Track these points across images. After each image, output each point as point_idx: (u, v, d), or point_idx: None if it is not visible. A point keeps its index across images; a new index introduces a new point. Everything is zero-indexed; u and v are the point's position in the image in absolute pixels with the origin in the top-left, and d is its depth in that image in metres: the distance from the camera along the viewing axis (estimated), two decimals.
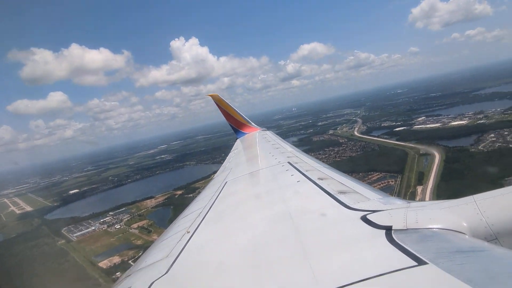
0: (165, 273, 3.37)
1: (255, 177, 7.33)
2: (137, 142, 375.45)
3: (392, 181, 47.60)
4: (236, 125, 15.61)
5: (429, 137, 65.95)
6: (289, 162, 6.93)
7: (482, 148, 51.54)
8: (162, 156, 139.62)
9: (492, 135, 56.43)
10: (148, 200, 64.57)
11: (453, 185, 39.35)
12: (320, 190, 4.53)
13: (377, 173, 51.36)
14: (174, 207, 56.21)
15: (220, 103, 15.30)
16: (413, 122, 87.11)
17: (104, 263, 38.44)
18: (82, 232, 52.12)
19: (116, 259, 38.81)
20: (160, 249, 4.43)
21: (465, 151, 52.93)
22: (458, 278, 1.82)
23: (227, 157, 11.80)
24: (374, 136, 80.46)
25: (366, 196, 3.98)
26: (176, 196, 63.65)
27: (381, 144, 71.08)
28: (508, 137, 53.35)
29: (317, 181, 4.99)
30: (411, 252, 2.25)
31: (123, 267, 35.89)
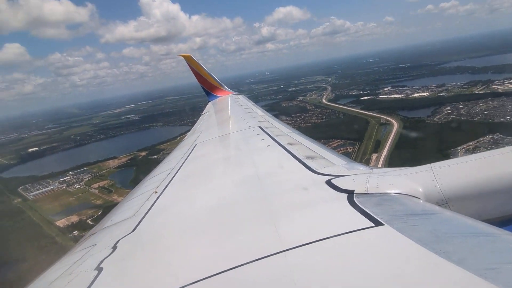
0: (131, 232, 3.38)
1: (226, 140, 7.41)
2: (103, 100, 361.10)
3: (350, 148, 49.35)
4: (208, 88, 15.38)
5: (392, 107, 67.96)
6: (260, 127, 6.98)
7: (437, 120, 54.05)
8: (128, 116, 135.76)
9: (448, 107, 58.98)
10: (111, 161, 63.41)
11: (405, 153, 41.59)
12: (289, 155, 4.64)
13: (338, 140, 52.93)
14: (137, 168, 55.71)
15: (192, 64, 14.92)
16: (379, 92, 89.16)
17: (61, 222, 38.00)
18: (40, 191, 50.82)
19: (74, 218, 38.40)
20: (126, 208, 4.45)
21: (422, 122, 55.39)
22: (409, 238, 1.97)
23: (198, 120, 11.65)
24: (341, 104, 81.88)
25: (332, 161, 4.10)
26: (140, 157, 62.80)
27: (345, 112, 72.74)
28: (462, 110, 56.18)
29: (286, 146, 5.08)
30: (370, 214, 2.38)
31: (81, 226, 35.73)
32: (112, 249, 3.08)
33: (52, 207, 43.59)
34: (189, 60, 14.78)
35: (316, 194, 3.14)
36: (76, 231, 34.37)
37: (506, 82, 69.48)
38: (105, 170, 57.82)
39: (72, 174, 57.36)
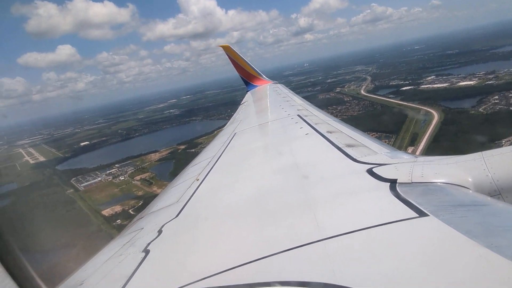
0: (176, 217, 3.54)
1: (264, 129, 7.49)
2: (148, 96, 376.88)
3: (385, 141, 48.09)
4: (247, 78, 15.53)
5: (433, 97, 64.90)
6: (298, 115, 6.93)
7: (482, 110, 50.88)
8: (171, 110, 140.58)
9: (496, 97, 55.04)
10: (153, 154, 66.79)
11: (444, 147, 39.84)
12: (328, 143, 4.57)
13: (373, 133, 51.63)
14: (176, 161, 58.28)
15: (231, 55, 15.13)
16: (421, 81, 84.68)
17: (106, 211, 41.28)
18: (89, 182, 55.03)
19: (118, 208, 41.51)
20: (171, 194, 4.67)
21: (465, 113, 52.47)
22: (457, 230, 1.85)
23: (237, 109, 11.96)
24: (380, 95, 79.30)
25: (373, 150, 4.01)
26: (179, 150, 65.53)
27: (384, 104, 70.36)
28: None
29: (326, 134, 5.02)
30: (414, 204, 2.28)
31: (124, 215, 38.61)
32: (158, 233, 3.22)
33: (99, 198, 47.37)
34: (227, 50, 15.03)
35: (356, 183, 3.08)
36: (119, 220, 37.26)
37: None
38: (147, 163, 61.24)
39: (117, 167, 61.30)
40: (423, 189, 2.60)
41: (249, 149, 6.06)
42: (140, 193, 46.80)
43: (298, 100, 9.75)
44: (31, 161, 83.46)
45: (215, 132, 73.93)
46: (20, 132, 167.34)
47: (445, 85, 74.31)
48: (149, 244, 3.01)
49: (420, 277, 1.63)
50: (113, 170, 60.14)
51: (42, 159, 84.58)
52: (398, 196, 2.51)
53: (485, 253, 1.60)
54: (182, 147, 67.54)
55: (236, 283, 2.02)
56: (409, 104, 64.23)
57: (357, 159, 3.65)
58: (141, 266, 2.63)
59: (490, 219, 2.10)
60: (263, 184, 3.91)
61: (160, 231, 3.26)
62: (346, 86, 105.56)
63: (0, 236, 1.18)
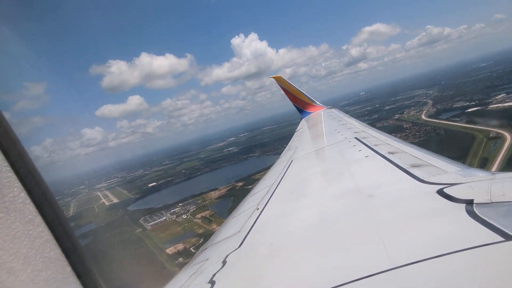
0: (238, 247, 3.50)
1: (321, 154, 7.27)
2: (209, 135, 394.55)
3: None
4: (300, 105, 15.55)
5: (505, 117, 59.32)
6: (356, 138, 6.76)
7: None
8: (230, 148, 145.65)
9: None
10: (213, 192, 69.44)
11: None
12: (391, 164, 4.35)
13: None
14: (234, 198, 59.81)
15: (283, 84, 15.36)
16: (490, 100, 78.26)
17: (170, 250, 43.45)
18: (156, 221, 58.58)
19: (180, 246, 43.50)
20: (232, 225, 4.64)
21: None
22: None
23: (293, 137, 11.81)
24: (442, 119, 74.80)
25: (442, 169, 3.73)
26: (237, 187, 67.34)
27: (448, 128, 66.16)
28: None
29: (387, 155, 4.80)
30: (497, 226, 2.06)
31: (185, 253, 40.37)
32: (222, 264, 3.20)
33: (163, 236, 50.12)
34: (279, 80, 15.29)
35: (426, 205, 2.85)
36: (181, 258, 39.00)
37: None
38: (207, 201, 63.76)
39: (181, 206, 64.68)
40: (506, 209, 2.34)
41: (307, 175, 5.93)
42: (200, 231, 48.63)
43: (354, 123, 9.47)
44: (107, 203, 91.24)
45: (271, 166, 75.18)
46: (98, 176, 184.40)
47: None
48: (214, 275, 3.01)
49: None
50: (177, 209, 63.49)
51: (115, 200, 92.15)
52: (476, 218, 2.28)
53: None
54: (240, 184, 69.37)
55: None
56: (476, 126, 59.67)
57: (425, 179, 3.40)
58: None
59: None
60: (325, 210, 3.78)
61: (224, 262, 3.25)
62: (405, 112, 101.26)
63: (89, 273, 1.22)
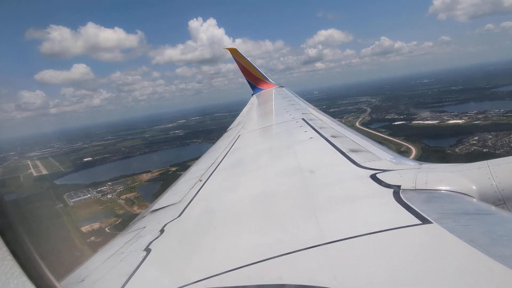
0: (178, 216, 3.53)
1: (269, 131, 7.47)
2: (161, 114, 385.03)
3: None
4: (253, 81, 15.65)
5: (419, 134, 66.05)
6: (303, 119, 6.96)
7: (457, 151, 51.90)
8: (176, 131, 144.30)
9: (476, 137, 56.03)
10: (145, 174, 69.34)
11: None
12: (332, 147, 4.57)
13: None
14: (164, 182, 60.23)
15: (237, 57, 15.28)
16: (415, 116, 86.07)
17: (85, 228, 43.39)
18: (79, 198, 57.46)
19: (96, 225, 43.62)
20: (173, 193, 4.72)
21: (441, 152, 53.52)
22: (460, 238, 1.83)
23: (242, 111, 12.25)
24: (371, 129, 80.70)
25: (378, 155, 3.96)
26: (170, 172, 67.52)
27: (372, 137, 70.87)
28: (489, 141, 53.16)
29: (330, 139, 5.01)
30: (417, 211, 2.25)
31: (99, 233, 40.71)
32: (160, 232, 3.22)
33: (83, 214, 49.62)
34: (234, 52, 15.20)
35: (359, 188, 3.04)
36: (93, 237, 39.38)
37: None
38: (137, 183, 63.65)
39: (109, 185, 63.89)
40: (427, 196, 2.58)
41: (252, 151, 6.07)
42: (121, 212, 49.00)
43: (303, 104, 9.82)
44: (35, 174, 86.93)
45: None
46: (33, 143, 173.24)
47: (434, 122, 75.55)
48: (151, 243, 3.01)
49: (421, 284, 1.62)
50: (105, 187, 62.68)
51: (44, 172, 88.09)
52: (401, 202, 2.49)
53: (488, 262, 1.58)
54: (174, 169, 69.74)
55: (235, 285, 2.01)
56: (394, 139, 65.46)
57: (361, 164, 3.63)
58: (142, 265, 2.63)
59: (494, 228, 2.06)
60: (266, 186, 3.89)
61: (162, 230, 3.25)
62: (344, 117, 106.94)
63: (12, 227, 1.23)
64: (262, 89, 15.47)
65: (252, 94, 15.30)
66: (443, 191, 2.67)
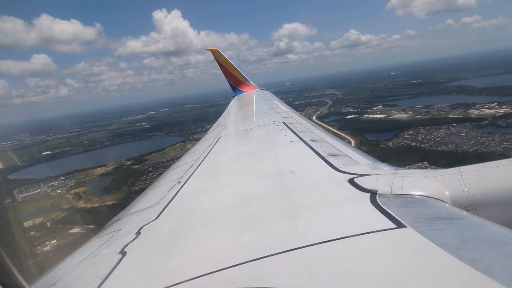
0: (155, 219, 3.50)
1: (249, 134, 7.43)
2: (132, 105, 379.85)
3: None
4: (234, 83, 15.46)
5: (364, 128, 69.99)
6: (284, 122, 7.04)
7: (390, 144, 55.74)
8: (142, 123, 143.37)
9: (411, 132, 60.15)
10: (99, 168, 69.70)
11: None
12: (312, 151, 4.61)
13: None
14: (115, 177, 61.68)
15: (219, 58, 15.02)
16: (368, 110, 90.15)
17: (27, 223, 44.17)
18: (29, 193, 57.53)
19: (38, 220, 44.38)
20: (151, 196, 4.64)
21: (376, 145, 57.30)
22: (432, 241, 1.92)
23: (222, 114, 11.87)
24: (324, 122, 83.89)
25: (356, 160, 4.04)
26: (124, 166, 68.67)
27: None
28: (420, 135, 57.31)
29: (310, 143, 5.05)
30: (392, 215, 2.35)
31: (40, 227, 41.88)
32: (136, 235, 3.18)
33: (28, 209, 50.25)
34: (216, 54, 14.95)
35: (337, 192, 3.10)
36: (32, 232, 40.56)
37: (486, 106, 68.47)
38: (89, 177, 64.16)
39: (62, 179, 64.15)
40: (402, 201, 2.65)
41: (232, 154, 6.10)
42: (66, 207, 49.91)
43: (283, 108, 9.90)
44: None
45: (166, 149, 77.85)
46: None
47: (382, 116, 79.57)
48: (126, 245, 2.98)
49: (395, 286, 1.67)
50: (57, 182, 62.88)
51: (0, 166, 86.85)
52: (377, 206, 2.55)
53: (459, 266, 1.66)
54: (128, 163, 70.68)
55: None
56: (340, 132, 68.76)
57: (340, 168, 3.68)
58: (116, 268, 2.59)
59: (465, 232, 2.13)
60: (245, 189, 3.90)
61: (138, 233, 3.23)
62: (305, 110, 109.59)
63: None
64: (243, 91, 15.47)
65: (233, 96, 15.29)
66: (417, 196, 2.75)
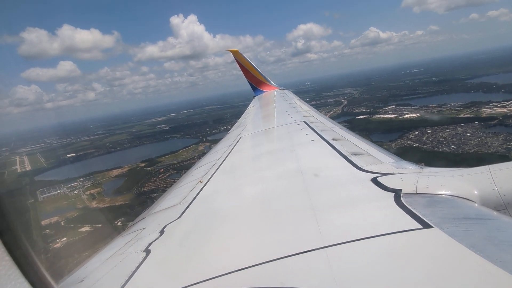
0: (178, 218, 3.61)
1: (270, 134, 7.41)
2: (156, 107, 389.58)
3: None
4: (255, 83, 15.62)
5: (372, 128, 68.99)
6: (304, 121, 6.98)
7: (393, 146, 54.97)
8: (162, 125, 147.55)
9: (417, 132, 59.25)
10: (115, 170, 72.72)
11: None
12: (333, 150, 4.56)
13: None
14: (128, 178, 64.50)
15: (239, 59, 15.23)
16: (380, 110, 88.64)
17: (44, 221, 47.79)
18: (50, 194, 61.30)
19: (54, 219, 47.87)
20: (174, 195, 4.74)
21: (378, 147, 56.88)
22: (461, 243, 1.84)
23: (243, 113, 12.11)
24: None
25: (379, 159, 4.02)
26: (138, 168, 71.52)
27: None
28: (425, 136, 56.61)
29: (331, 142, 5.00)
30: (418, 215, 2.29)
31: (54, 226, 45.20)
32: (159, 233, 3.28)
33: (48, 208, 54.05)
34: (236, 55, 15.13)
35: (360, 192, 3.08)
36: (48, 230, 44.02)
37: (500, 105, 66.14)
38: (105, 179, 67.53)
39: (80, 181, 67.82)
40: (428, 201, 2.60)
41: (253, 153, 6.11)
42: (80, 206, 53.27)
43: (304, 107, 9.96)
44: (19, 170, 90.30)
45: (179, 151, 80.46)
46: (27, 138, 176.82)
47: (393, 116, 78.27)
48: (150, 244, 3.04)
49: None
50: (76, 183, 66.73)
51: (28, 168, 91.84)
52: (402, 206, 2.51)
53: (489, 268, 1.59)
54: (142, 164, 73.45)
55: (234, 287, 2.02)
56: None
57: (362, 167, 3.64)
58: (141, 266, 2.64)
59: (495, 233, 2.05)
60: (267, 188, 3.88)
61: (162, 232, 3.28)
62: (319, 110, 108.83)
63: (10, 228, 1.21)
64: (263, 91, 15.51)
65: (254, 96, 15.39)
66: (444, 195, 2.67)
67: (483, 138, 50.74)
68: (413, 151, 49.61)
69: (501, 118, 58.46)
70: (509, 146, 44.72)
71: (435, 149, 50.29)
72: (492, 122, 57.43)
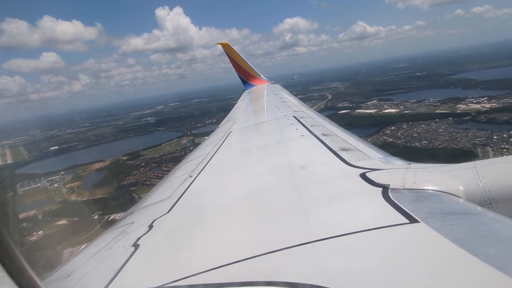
0: (167, 212, 3.60)
1: (260, 128, 7.42)
2: (143, 100, 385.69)
3: None
4: (245, 76, 15.39)
5: (351, 123, 68.82)
6: (294, 116, 7.00)
7: (369, 140, 55.93)
8: (148, 118, 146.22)
9: (393, 127, 60.78)
10: (97, 163, 72.44)
11: None
12: (323, 145, 4.59)
13: None
14: (108, 172, 64.63)
15: (229, 52, 14.94)
16: (362, 105, 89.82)
17: (22, 215, 47.77)
18: (30, 187, 60.97)
19: (32, 212, 47.91)
20: (163, 190, 4.75)
21: None
22: (446, 237, 1.89)
23: (233, 108, 11.95)
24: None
25: (367, 154, 4.02)
26: (120, 161, 71.57)
27: None
28: (400, 132, 58.12)
29: (321, 137, 5.03)
30: (405, 210, 2.33)
31: (32, 219, 45.35)
32: (148, 228, 3.26)
33: (26, 202, 53.85)
34: (226, 48, 14.85)
35: (349, 187, 3.09)
36: (25, 223, 44.24)
37: (475, 101, 68.14)
38: (86, 172, 67.42)
39: (62, 174, 67.49)
40: (415, 196, 2.65)
41: (243, 148, 6.09)
42: (59, 200, 53.47)
43: (294, 101, 9.92)
44: (0, 163, 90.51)
45: (162, 145, 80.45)
46: (11, 131, 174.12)
47: (373, 111, 79.71)
48: (139, 238, 3.03)
49: (408, 282, 1.65)
50: (56, 177, 66.49)
51: (10, 161, 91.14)
52: (390, 201, 2.55)
53: (473, 262, 1.63)
54: (125, 158, 73.45)
55: (223, 282, 2.02)
56: None
57: (351, 163, 3.68)
58: (130, 260, 2.63)
59: (479, 228, 2.11)
60: (256, 183, 3.90)
61: (151, 226, 3.27)
62: None
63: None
64: (254, 85, 15.34)
65: (244, 90, 15.22)
66: (431, 190, 2.71)
67: (454, 133, 52.36)
68: (387, 146, 50.72)
69: (473, 114, 60.47)
70: (476, 142, 46.40)
71: (408, 144, 51.81)
72: (465, 118, 59.26)
